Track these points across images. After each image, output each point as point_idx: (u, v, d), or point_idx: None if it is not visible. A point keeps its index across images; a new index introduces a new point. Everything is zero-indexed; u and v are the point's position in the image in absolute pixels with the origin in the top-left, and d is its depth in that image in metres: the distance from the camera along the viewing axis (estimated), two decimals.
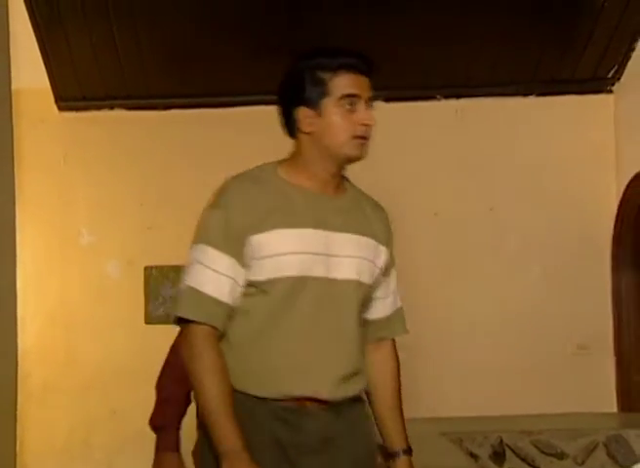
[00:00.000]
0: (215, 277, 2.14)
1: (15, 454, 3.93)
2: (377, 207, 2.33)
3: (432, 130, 4.86)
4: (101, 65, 4.18)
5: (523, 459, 3.62)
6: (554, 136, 5.06)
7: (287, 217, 2.18)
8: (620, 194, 5.05)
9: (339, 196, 2.27)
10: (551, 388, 4.93)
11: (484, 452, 3.68)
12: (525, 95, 5.07)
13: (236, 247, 2.15)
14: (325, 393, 2.17)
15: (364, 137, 2.18)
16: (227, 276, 2.15)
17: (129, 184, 4.29)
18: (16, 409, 3.98)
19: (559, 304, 5.08)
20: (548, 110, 5.05)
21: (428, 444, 3.62)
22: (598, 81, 5.10)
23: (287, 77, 2.21)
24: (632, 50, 4.93)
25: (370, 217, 2.30)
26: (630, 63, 4.98)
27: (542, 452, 3.65)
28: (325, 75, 2.15)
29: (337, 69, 2.15)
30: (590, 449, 3.61)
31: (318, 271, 2.18)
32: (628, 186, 4.98)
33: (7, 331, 3.85)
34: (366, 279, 2.23)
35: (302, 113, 2.16)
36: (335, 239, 2.21)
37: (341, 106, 2.15)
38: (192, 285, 2.13)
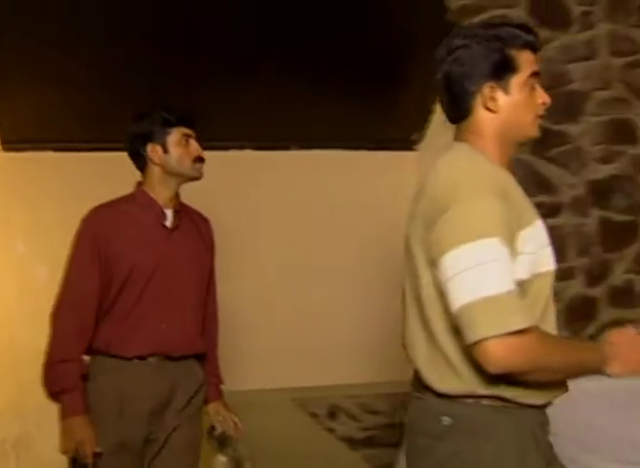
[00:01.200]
0: (507, 274, 1.46)
1: None
2: None
3: (287, 174, 4.92)
4: (38, 117, 4.28)
5: (350, 417, 3.85)
6: (374, 182, 5.25)
7: (530, 207, 1.62)
8: None
9: None
10: (372, 362, 4.99)
11: (322, 412, 3.89)
12: (353, 149, 5.19)
13: (511, 240, 1.50)
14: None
15: (542, 117, 1.72)
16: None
17: (55, 208, 4.30)
18: None
19: (380, 301, 5.04)
20: (370, 162, 5.24)
21: (281, 408, 3.82)
22: (406, 141, 5.36)
23: (465, 51, 1.64)
24: (428, 121, 5.21)
25: None
26: (429, 131, 5.30)
27: (364, 411, 3.89)
28: (513, 51, 1.64)
29: (524, 46, 1.66)
30: (396, 406, 3.88)
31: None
32: None
33: None
34: None
35: (489, 90, 1.64)
36: None
37: (528, 85, 1.66)
38: (505, 289, 1.43)
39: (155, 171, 2.53)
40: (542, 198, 3.87)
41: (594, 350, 1.56)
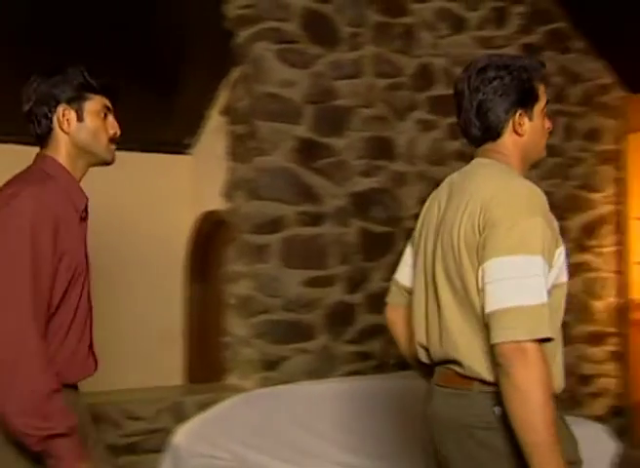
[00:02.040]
0: (544, 289, 1.61)
1: None
2: None
3: None
4: None
5: (112, 423, 3.70)
6: (146, 184, 5.22)
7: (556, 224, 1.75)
8: (193, 226, 5.32)
9: None
10: (136, 368, 5.01)
11: None
12: (125, 150, 5.07)
13: (549, 257, 1.66)
14: None
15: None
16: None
17: None
18: None
19: (149, 305, 5.21)
20: (142, 164, 5.17)
21: None
22: (182, 145, 5.39)
23: (499, 82, 1.78)
24: (203, 126, 5.25)
25: None
26: (203, 137, 5.32)
27: (126, 417, 3.76)
28: (536, 82, 1.82)
29: (542, 78, 1.84)
30: (159, 411, 3.80)
31: None
32: (199, 221, 5.30)
33: None
34: None
35: (520, 116, 1.80)
36: None
37: (543, 112, 1.84)
38: (540, 302, 1.58)
39: (62, 141, 1.94)
40: (306, 207, 3.94)
41: (558, 457, 1.56)
